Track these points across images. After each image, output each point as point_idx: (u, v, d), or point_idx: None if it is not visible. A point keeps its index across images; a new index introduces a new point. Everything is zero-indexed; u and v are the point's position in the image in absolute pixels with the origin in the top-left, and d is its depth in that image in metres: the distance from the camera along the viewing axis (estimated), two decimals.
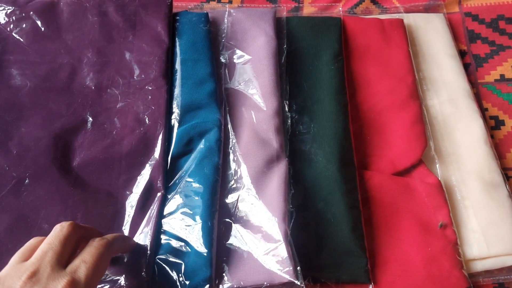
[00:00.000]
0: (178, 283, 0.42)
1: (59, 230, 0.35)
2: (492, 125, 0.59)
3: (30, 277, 0.31)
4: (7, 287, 0.31)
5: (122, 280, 0.41)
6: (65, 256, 0.34)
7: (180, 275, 0.42)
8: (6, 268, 0.33)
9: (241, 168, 0.48)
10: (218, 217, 0.46)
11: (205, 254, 0.42)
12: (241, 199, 0.47)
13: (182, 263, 0.43)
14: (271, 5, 0.68)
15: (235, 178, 0.48)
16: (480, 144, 0.55)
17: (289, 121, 0.54)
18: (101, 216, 0.46)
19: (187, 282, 0.41)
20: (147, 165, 0.48)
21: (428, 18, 0.66)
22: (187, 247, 0.43)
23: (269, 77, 0.54)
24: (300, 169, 0.51)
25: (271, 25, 0.58)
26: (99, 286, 0.41)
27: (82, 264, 0.34)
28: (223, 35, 0.58)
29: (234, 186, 0.48)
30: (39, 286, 0.31)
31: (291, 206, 0.47)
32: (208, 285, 0.41)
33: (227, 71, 0.55)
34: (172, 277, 0.42)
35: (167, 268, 0.43)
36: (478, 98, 0.61)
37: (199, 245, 0.43)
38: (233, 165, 0.49)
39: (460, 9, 0.69)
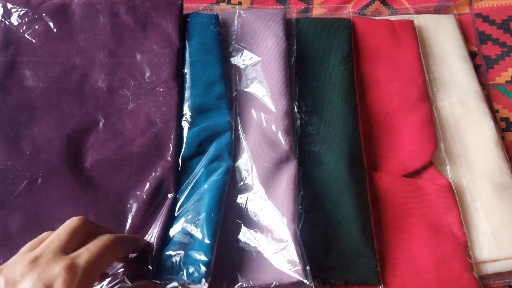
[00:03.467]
0: (177, 269, 0.41)
1: (69, 223, 0.36)
2: (503, 127, 0.59)
3: (32, 262, 0.32)
4: (9, 273, 0.32)
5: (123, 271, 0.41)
6: (70, 246, 0.35)
7: (180, 262, 0.41)
8: (13, 258, 0.34)
9: (250, 169, 0.48)
10: (228, 217, 0.46)
11: (207, 242, 0.41)
12: (251, 199, 0.47)
13: (183, 252, 0.42)
14: (280, 6, 0.68)
15: (245, 179, 0.48)
16: (490, 146, 0.54)
17: (299, 122, 0.54)
18: (112, 216, 0.46)
19: (187, 267, 0.40)
20: (158, 166, 0.48)
21: (438, 19, 0.65)
22: (191, 239, 0.43)
23: (278, 78, 0.54)
24: (310, 170, 0.51)
25: (280, 26, 0.58)
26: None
27: (85, 251, 0.34)
28: (233, 37, 0.58)
29: (244, 186, 0.48)
30: (38, 268, 0.32)
31: (300, 207, 0.47)
32: (205, 270, 0.39)
33: (237, 73, 0.56)
34: (173, 264, 0.42)
35: (170, 259, 0.42)
36: (489, 99, 0.61)
37: (201, 235, 0.42)
38: (242, 166, 0.49)
39: (470, 10, 0.68)
